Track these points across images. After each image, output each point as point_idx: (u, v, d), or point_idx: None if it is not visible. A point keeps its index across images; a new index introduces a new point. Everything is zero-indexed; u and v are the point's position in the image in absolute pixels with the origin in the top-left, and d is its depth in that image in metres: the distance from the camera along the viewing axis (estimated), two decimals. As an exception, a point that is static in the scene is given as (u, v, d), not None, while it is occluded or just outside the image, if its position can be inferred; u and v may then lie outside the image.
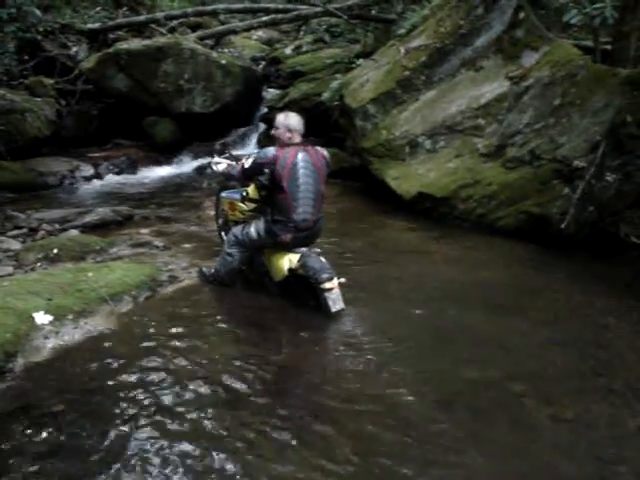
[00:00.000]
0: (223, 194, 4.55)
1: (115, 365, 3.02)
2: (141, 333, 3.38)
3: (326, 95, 8.07)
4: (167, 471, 2.26)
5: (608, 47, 6.48)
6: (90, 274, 3.88)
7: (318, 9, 10.17)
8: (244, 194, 4.09)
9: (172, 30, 11.28)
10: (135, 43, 9.25)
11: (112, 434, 2.47)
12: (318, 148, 3.81)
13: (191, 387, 2.83)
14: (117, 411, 2.63)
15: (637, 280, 4.50)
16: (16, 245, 5.00)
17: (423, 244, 5.27)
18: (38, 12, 7.88)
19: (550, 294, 4.18)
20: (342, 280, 3.68)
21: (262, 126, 9.82)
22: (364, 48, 9.70)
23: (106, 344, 3.23)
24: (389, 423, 2.60)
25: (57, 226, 5.60)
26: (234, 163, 4.14)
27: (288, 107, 8.35)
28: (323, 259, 3.66)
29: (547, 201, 5.18)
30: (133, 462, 2.30)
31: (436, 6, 6.84)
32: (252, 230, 3.84)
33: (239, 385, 2.87)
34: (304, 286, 3.68)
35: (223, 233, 4.71)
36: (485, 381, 2.96)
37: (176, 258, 4.70)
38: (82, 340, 3.27)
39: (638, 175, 4.88)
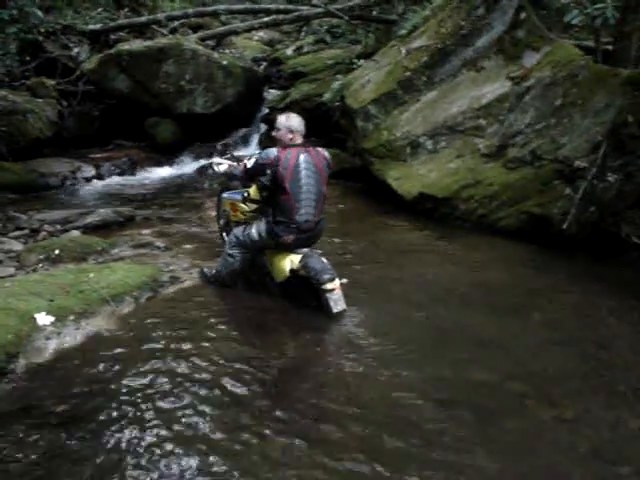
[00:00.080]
0: (224, 195, 4.56)
1: (116, 366, 3.02)
2: (142, 334, 3.38)
3: (327, 96, 8.07)
4: (166, 473, 2.25)
5: (609, 47, 6.47)
6: (91, 275, 3.89)
7: (319, 10, 10.17)
8: (245, 195, 4.09)
9: (173, 31, 11.31)
10: (136, 44, 9.27)
11: (113, 435, 2.47)
12: (319, 149, 3.82)
13: (191, 389, 2.83)
14: (118, 412, 2.64)
15: (638, 280, 4.50)
16: (18, 246, 5.01)
17: (424, 245, 5.27)
18: (40, 13, 7.91)
19: (551, 294, 4.18)
20: (344, 281, 3.68)
21: (263, 127, 9.82)
22: (365, 49, 9.71)
23: (107, 345, 3.23)
24: (391, 424, 2.60)
25: (59, 227, 5.61)
26: (235, 164, 4.15)
27: (289, 108, 8.36)
28: (324, 260, 3.66)
29: (548, 201, 5.18)
30: (133, 464, 2.30)
31: (437, 7, 6.84)
32: (253, 231, 3.85)
33: (240, 388, 2.86)
34: (305, 287, 3.68)
35: (224, 234, 4.71)
36: (486, 381, 2.96)
37: (177, 259, 4.71)
38: (83, 341, 3.28)
39: (639, 175, 4.88)
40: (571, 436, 2.55)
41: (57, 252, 4.58)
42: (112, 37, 10.46)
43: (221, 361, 3.10)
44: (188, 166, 8.80)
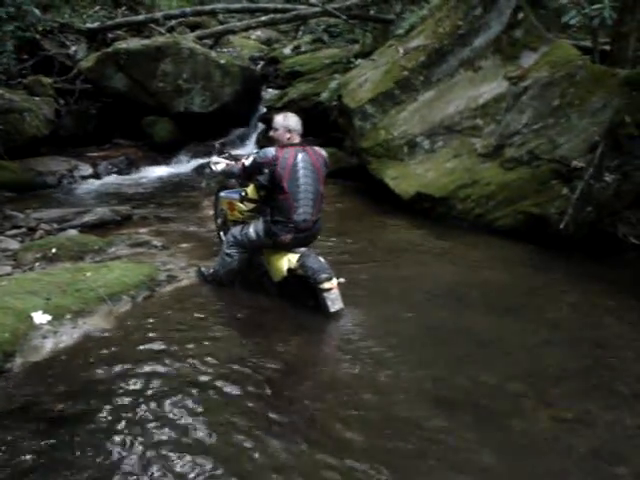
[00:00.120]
0: (222, 194, 4.55)
1: (113, 366, 3.01)
2: (139, 333, 3.37)
3: (325, 95, 8.07)
4: (161, 475, 2.24)
5: (607, 48, 6.49)
6: (88, 274, 3.88)
7: (317, 9, 10.16)
8: (243, 194, 4.08)
9: (171, 30, 11.27)
10: (134, 42, 9.23)
11: (108, 435, 2.46)
12: (317, 148, 3.82)
13: (187, 390, 2.81)
14: (114, 412, 2.63)
15: (635, 280, 4.51)
16: (14, 245, 4.99)
17: (422, 244, 5.27)
18: (37, 11, 7.85)
19: (550, 294, 4.19)
20: (341, 280, 3.67)
21: (261, 126, 9.81)
22: (363, 48, 9.71)
23: (104, 344, 3.22)
24: (389, 424, 2.59)
25: (55, 226, 5.59)
26: (233, 163, 4.14)
27: (287, 107, 8.35)
28: (322, 259, 3.66)
29: (545, 201, 5.19)
30: (129, 465, 2.28)
31: (435, 6, 6.84)
32: (251, 231, 3.84)
33: (236, 389, 2.85)
34: (303, 286, 3.67)
35: (222, 233, 4.70)
36: (484, 381, 2.96)
37: (175, 258, 4.70)
38: (80, 340, 3.27)
39: (636, 175, 4.89)
40: (570, 436, 2.55)
41: (54, 251, 4.57)
42: (109, 35, 10.42)
43: (218, 361, 3.09)
44: (185, 165, 8.78)
